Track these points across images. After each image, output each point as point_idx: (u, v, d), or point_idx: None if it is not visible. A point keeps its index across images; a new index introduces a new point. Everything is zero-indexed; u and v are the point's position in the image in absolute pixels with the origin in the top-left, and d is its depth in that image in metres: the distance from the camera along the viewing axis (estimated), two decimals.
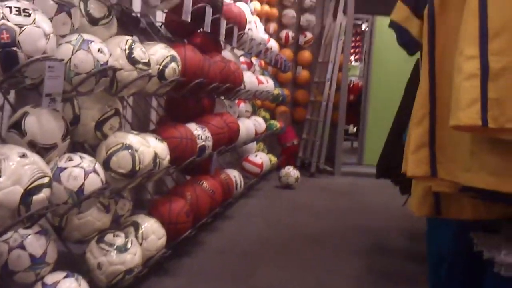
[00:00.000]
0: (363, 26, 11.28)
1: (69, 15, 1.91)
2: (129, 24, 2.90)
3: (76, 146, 2.19)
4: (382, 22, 6.94)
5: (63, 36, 1.91)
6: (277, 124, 6.19)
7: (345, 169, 6.74)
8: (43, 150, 1.77)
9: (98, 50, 1.94)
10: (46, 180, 1.58)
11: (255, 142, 5.38)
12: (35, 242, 1.77)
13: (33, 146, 1.75)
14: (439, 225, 1.90)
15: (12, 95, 2.32)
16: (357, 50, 12.35)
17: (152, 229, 2.41)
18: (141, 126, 3.50)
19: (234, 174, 4.06)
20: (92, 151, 2.20)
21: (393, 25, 1.44)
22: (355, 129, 10.34)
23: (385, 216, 4.51)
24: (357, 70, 12.39)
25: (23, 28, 1.60)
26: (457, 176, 1.23)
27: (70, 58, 1.87)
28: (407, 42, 1.41)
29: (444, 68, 1.28)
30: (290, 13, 7.01)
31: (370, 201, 5.20)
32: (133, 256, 2.14)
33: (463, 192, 1.28)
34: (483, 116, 1.08)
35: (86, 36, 1.95)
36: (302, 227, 3.95)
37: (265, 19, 6.78)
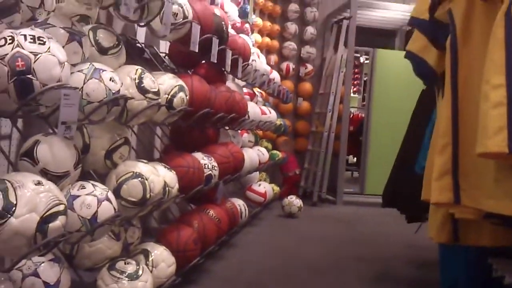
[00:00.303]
0: (362, 59, 11.46)
1: (80, 44, 1.93)
2: (133, 54, 2.95)
3: (85, 175, 2.19)
4: (383, 54, 7.05)
5: (74, 65, 1.93)
6: (279, 154, 6.22)
7: (347, 199, 6.74)
8: (56, 178, 1.77)
9: (110, 79, 1.96)
10: (61, 207, 1.57)
11: (257, 172, 5.39)
12: (48, 270, 1.75)
13: (45, 174, 1.75)
14: (454, 252, 1.89)
15: (19, 124, 2.34)
16: (355, 82, 12.49)
17: (162, 257, 2.39)
18: (146, 154, 3.51)
19: (239, 203, 4.06)
20: (99, 180, 2.21)
21: (409, 55, 1.46)
22: (355, 159, 10.38)
23: (389, 244, 4.49)
24: (356, 101, 12.50)
25: (38, 56, 1.60)
26: (481, 203, 1.23)
27: (82, 87, 1.88)
28: (424, 72, 1.43)
29: (467, 97, 1.29)
30: (291, 45, 7.13)
31: (373, 230, 5.18)
32: (145, 284, 2.12)
33: (487, 219, 1.28)
34: (509, 143, 1.08)
35: (97, 65, 1.97)
36: (306, 256, 3.92)
37: (266, 51, 6.88)
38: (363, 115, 8.28)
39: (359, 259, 3.92)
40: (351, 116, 8.77)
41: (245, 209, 4.19)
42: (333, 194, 6.67)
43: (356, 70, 11.72)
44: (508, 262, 1.43)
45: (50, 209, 1.52)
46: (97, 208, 1.81)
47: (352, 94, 11.57)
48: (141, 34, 3.51)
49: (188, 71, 3.55)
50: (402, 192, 3.21)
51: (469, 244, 1.49)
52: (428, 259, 3.88)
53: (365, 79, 10.46)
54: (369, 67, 7.17)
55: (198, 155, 3.12)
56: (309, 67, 7.24)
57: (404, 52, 1.63)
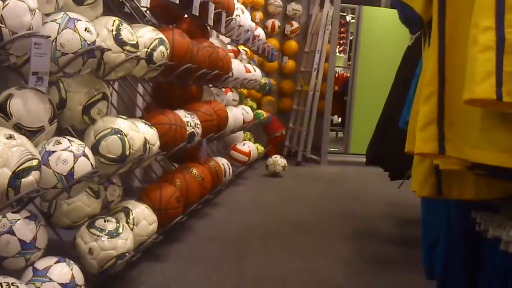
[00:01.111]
0: (348, 18, 11.30)
1: None
2: (113, 8, 2.83)
3: (63, 132, 2.13)
4: (369, 11, 6.94)
5: (47, 15, 1.84)
6: (264, 113, 6.17)
7: (331, 158, 6.76)
8: (30, 133, 1.70)
9: (85, 29, 1.86)
10: (34, 162, 1.52)
11: (242, 131, 5.36)
12: (24, 227, 1.71)
13: (19, 129, 1.68)
14: (436, 207, 1.89)
15: None
16: (341, 42, 12.37)
17: (143, 215, 2.36)
18: (127, 113, 3.43)
19: (222, 162, 4.04)
20: (78, 137, 2.15)
21: (395, 2, 1.40)
22: (339, 120, 10.38)
23: (372, 202, 4.54)
24: (341, 61, 12.41)
25: (6, 2, 1.51)
26: (466, 154, 1.20)
27: (56, 37, 1.79)
28: (411, 20, 1.37)
29: (455, 43, 1.24)
30: (276, 2, 6.97)
31: (356, 188, 5.23)
32: (125, 241, 2.10)
33: (472, 169, 1.25)
34: (497, 90, 1.04)
35: (72, 15, 1.87)
36: (290, 213, 3.94)
37: (251, 7, 6.72)
38: (348, 75, 8.22)
39: (342, 216, 3.95)
40: (336, 75, 8.71)
41: (229, 168, 4.17)
42: (317, 153, 6.68)
43: (342, 29, 11.58)
44: (492, 215, 1.43)
45: (23, 163, 1.46)
46: (74, 164, 1.76)
47: (338, 54, 11.50)
48: None
49: (170, 26, 3.44)
50: (386, 149, 3.20)
51: (453, 198, 1.47)
52: (410, 216, 3.93)
53: (351, 38, 10.34)
54: (355, 24, 7.06)
55: (181, 113, 3.06)
56: (295, 24, 7.11)
57: (390, 10, 1.57)
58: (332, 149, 7.12)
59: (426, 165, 1.39)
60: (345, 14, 10.66)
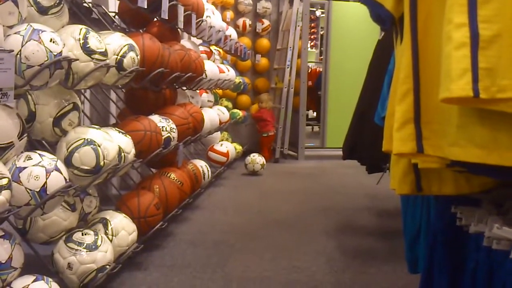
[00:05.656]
0: (317, 13, 11.35)
1: (16, 3, 1.77)
2: (80, 14, 2.77)
3: (34, 145, 2.08)
4: (338, 7, 6.97)
5: (10, 27, 1.78)
6: (240, 113, 6.14)
7: (309, 153, 6.80)
8: None
9: (50, 40, 1.81)
10: (4, 181, 1.47)
11: (219, 132, 5.33)
12: None
13: None
14: (416, 202, 1.89)
15: None
16: (312, 37, 12.42)
17: (122, 225, 2.32)
18: (101, 120, 3.38)
19: (201, 164, 4.00)
20: (51, 149, 2.10)
21: (365, 0, 1.38)
22: (314, 114, 10.42)
23: (351, 196, 4.56)
24: (313, 56, 12.47)
25: None
26: (445, 152, 1.19)
27: (20, 50, 1.73)
28: (382, 17, 1.35)
29: (428, 40, 1.23)
30: (246, 0, 6.94)
31: (335, 182, 5.25)
32: (104, 254, 2.05)
33: (451, 167, 1.24)
34: (474, 87, 1.02)
35: (36, 26, 1.82)
36: (271, 212, 3.93)
37: (221, 7, 6.68)
38: (321, 69, 8.25)
39: (323, 211, 3.96)
40: (309, 70, 8.74)
41: (208, 170, 4.14)
42: (294, 149, 6.70)
43: (312, 24, 11.63)
44: (472, 210, 1.43)
45: None
46: (46, 179, 1.71)
47: (309, 49, 11.55)
48: None
49: (140, 31, 3.39)
50: (362, 144, 3.21)
51: (433, 194, 1.47)
52: (390, 207, 3.97)
53: (321, 33, 10.38)
54: (325, 20, 7.09)
55: (155, 118, 3.02)
56: (266, 22, 7.10)
57: (358, 4, 1.56)
58: (308, 144, 7.15)
59: (404, 162, 1.38)
60: (314, 9, 10.71)
